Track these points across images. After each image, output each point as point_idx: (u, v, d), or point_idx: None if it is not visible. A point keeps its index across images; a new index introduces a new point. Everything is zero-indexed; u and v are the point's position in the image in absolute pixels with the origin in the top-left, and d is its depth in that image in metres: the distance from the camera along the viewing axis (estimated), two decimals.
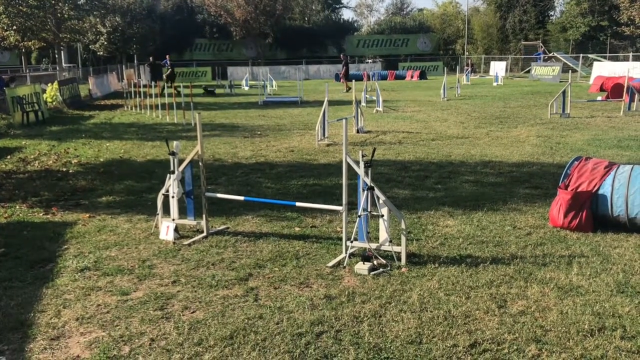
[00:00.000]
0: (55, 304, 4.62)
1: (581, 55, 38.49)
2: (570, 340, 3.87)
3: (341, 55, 32.60)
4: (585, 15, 48.00)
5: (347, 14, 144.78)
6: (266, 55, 52.85)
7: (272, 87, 30.92)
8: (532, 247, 5.72)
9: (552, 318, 4.18)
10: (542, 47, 46.42)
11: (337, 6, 66.00)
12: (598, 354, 3.69)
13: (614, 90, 20.32)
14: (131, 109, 21.48)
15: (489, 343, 3.85)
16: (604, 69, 30.41)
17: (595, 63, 33.18)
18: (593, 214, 6.18)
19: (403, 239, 5.32)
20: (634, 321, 4.11)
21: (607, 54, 40.54)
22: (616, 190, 6.07)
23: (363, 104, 20.00)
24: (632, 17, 38.61)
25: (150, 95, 21.71)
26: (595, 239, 5.93)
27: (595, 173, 6.28)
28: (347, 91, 27.44)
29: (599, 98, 20.88)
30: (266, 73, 33.88)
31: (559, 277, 4.92)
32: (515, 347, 3.79)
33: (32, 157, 11.61)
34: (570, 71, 21.86)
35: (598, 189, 6.18)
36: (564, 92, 16.41)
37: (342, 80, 29.80)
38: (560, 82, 31.04)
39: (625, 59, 36.09)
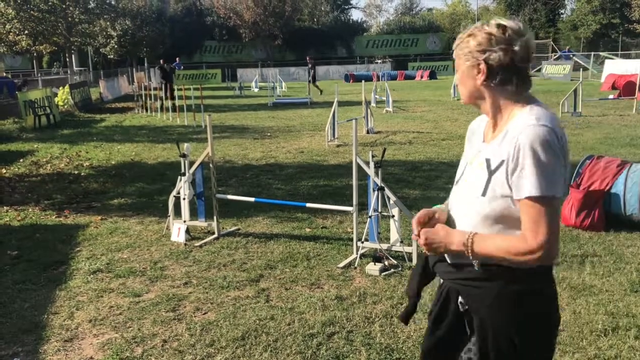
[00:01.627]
0: (68, 305, 4.65)
1: (592, 53, 38.21)
2: (584, 340, 3.84)
3: (307, 58, 30.14)
4: (597, 12, 47.64)
5: (356, 15, 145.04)
6: (275, 56, 52.96)
7: (282, 88, 30.97)
8: None
9: (565, 318, 4.15)
10: (551, 44, 46.12)
11: (346, 7, 65.97)
12: (612, 354, 3.66)
13: (626, 88, 20.14)
14: (142, 111, 21.59)
15: None
16: (616, 66, 30.19)
17: (606, 61, 32.95)
18: (605, 212, 6.13)
19: None
20: None
21: (619, 52, 40.21)
22: (629, 189, 6.02)
23: (373, 104, 19.98)
24: None
25: (161, 98, 21.81)
26: (608, 238, 5.88)
27: (607, 172, 6.23)
28: (319, 94, 26.54)
29: (611, 96, 20.71)
30: (275, 74, 33.98)
31: (571, 277, 4.89)
32: None
33: (44, 160, 11.70)
34: (581, 69, 21.73)
35: (610, 187, 6.13)
36: (575, 91, 16.30)
37: (310, 84, 27.39)
38: (572, 80, 30.84)
39: (638, 56, 35.84)
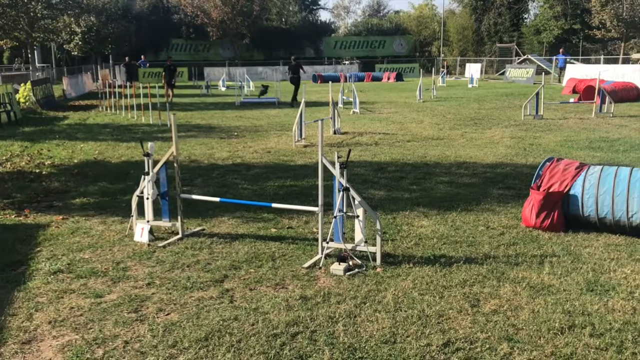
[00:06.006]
0: (27, 307, 4.55)
1: (554, 57, 39.03)
2: (541, 339, 3.94)
3: (168, 60, 27.04)
4: (559, 18, 48.71)
5: (324, 16, 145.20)
6: (243, 56, 52.69)
7: (249, 87, 30.83)
8: (505, 247, 5.81)
9: (523, 317, 4.25)
10: (514, 48, 46.98)
11: (314, 7, 66.00)
12: (568, 352, 3.76)
13: (586, 92, 20.66)
14: (106, 109, 21.24)
15: (462, 342, 3.90)
16: (577, 71, 30.91)
17: (568, 65, 33.69)
18: (564, 214, 6.29)
19: (378, 239, 5.36)
20: (603, 319, 4.20)
21: (580, 57, 41.18)
22: (587, 191, 6.19)
23: (340, 105, 20.06)
24: (603, 21, 39.29)
25: (126, 96, 21.50)
26: (566, 238, 6.04)
27: (566, 174, 6.39)
28: (170, 101, 23.97)
29: (572, 100, 21.23)
30: (243, 74, 33.80)
31: (530, 277, 5.01)
32: (487, 346, 3.85)
33: (4, 158, 11.42)
34: (543, 73, 22.17)
35: (569, 189, 6.29)
36: (537, 94, 16.66)
37: (165, 88, 24.86)
38: (534, 84, 31.48)
39: (597, 61, 36.75)
